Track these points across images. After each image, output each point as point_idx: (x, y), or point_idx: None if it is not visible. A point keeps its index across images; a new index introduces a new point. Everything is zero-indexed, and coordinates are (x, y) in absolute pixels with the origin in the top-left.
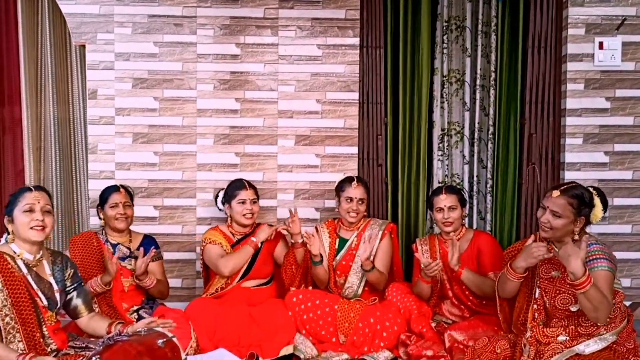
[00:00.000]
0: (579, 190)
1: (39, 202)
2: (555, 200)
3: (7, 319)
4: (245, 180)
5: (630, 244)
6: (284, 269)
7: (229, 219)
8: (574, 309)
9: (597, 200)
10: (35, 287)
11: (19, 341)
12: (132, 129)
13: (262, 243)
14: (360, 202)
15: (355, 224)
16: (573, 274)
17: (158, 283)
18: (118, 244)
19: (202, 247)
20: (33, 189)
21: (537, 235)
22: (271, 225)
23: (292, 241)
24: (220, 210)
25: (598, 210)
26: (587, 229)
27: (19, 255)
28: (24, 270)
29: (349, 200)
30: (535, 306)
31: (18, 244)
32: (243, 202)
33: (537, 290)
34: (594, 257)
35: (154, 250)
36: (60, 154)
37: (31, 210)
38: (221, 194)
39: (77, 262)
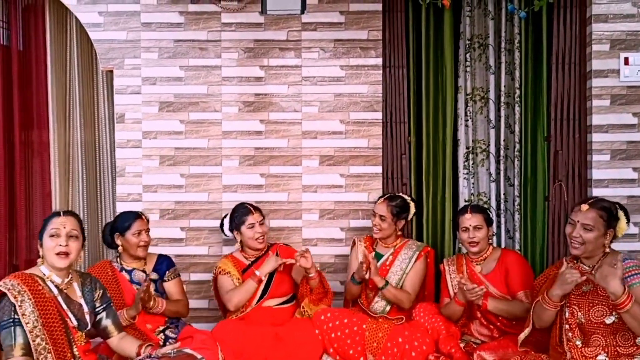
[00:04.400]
0: (607, 203)
1: (64, 227)
2: (586, 213)
3: (38, 339)
4: (249, 204)
5: None
6: (300, 295)
7: (238, 244)
8: (608, 321)
9: (620, 213)
10: (65, 307)
11: None
12: (158, 152)
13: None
14: (381, 219)
15: (391, 242)
16: (614, 294)
17: (170, 304)
18: (134, 269)
19: (214, 277)
20: (62, 213)
21: (567, 259)
22: (286, 250)
23: (305, 274)
24: (226, 237)
25: (623, 223)
26: (615, 246)
27: (48, 277)
28: (55, 291)
29: (374, 215)
30: (567, 326)
31: (47, 267)
32: (252, 226)
33: (567, 310)
34: (630, 273)
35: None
36: (86, 178)
37: (56, 235)
38: (226, 222)
39: None
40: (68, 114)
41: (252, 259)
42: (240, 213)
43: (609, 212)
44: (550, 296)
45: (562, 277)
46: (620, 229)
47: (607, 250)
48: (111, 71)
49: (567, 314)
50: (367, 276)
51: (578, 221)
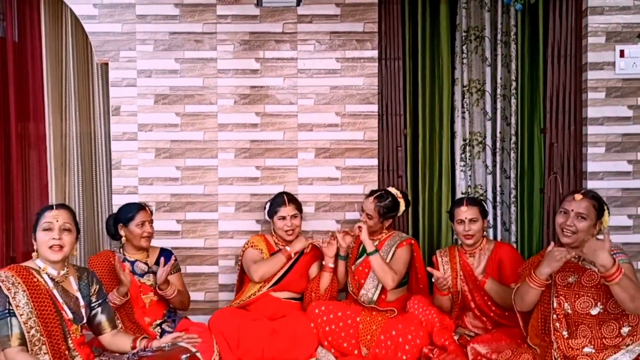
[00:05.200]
0: (596, 194)
1: (57, 220)
2: (580, 203)
3: (33, 331)
4: (287, 195)
5: None
6: (307, 292)
7: (272, 231)
8: (594, 312)
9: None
10: (60, 300)
11: (45, 353)
12: (154, 145)
13: (297, 254)
14: (368, 217)
15: (376, 236)
16: (603, 266)
17: (179, 293)
18: (136, 260)
19: (243, 250)
20: (54, 207)
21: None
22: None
23: (324, 262)
24: (268, 221)
25: (607, 216)
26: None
27: (43, 270)
28: (50, 284)
29: (361, 212)
30: (554, 316)
31: (42, 260)
32: (283, 219)
33: (555, 300)
34: (614, 251)
35: (174, 259)
36: (82, 170)
37: (49, 229)
38: (267, 206)
39: None
40: (64, 106)
41: (282, 246)
42: (275, 202)
43: (600, 203)
44: (538, 274)
45: (551, 254)
46: (604, 221)
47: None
48: (106, 63)
49: (554, 304)
50: (361, 236)
51: (572, 210)
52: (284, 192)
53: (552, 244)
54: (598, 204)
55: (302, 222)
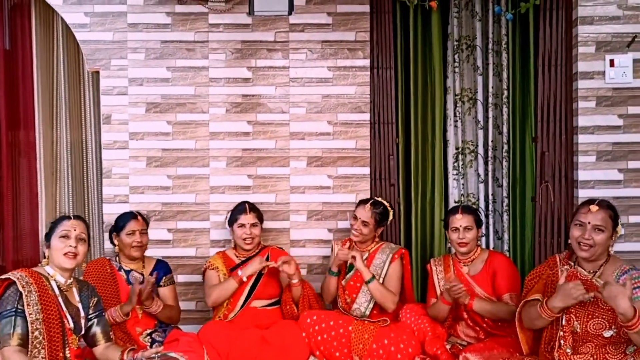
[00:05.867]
0: (610, 202)
1: (75, 230)
2: (597, 214)
3: (37, 332)
4: (248, 204)
5: None
6: (283, 304)
7: (233, 242)
8: (607, 334)
9: None
10: (64, 308)
11: (42, 357)
12: (145, 153)
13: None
14: (363, 224)
15: (366, 246)
16: (624, 315)
17: (165, 308)
18: (131, 270)
19: (203, 271)
20: (72, 217)
21: (561, 259)
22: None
23: (288, 280)
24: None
25: (619, 225)
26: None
27: (52, 277)
28: (57, 291)
29: (354, 218)
30: (561, 333)
31: (52, 267)
32: (243, 226)
33: (564, 318)
34: (636, 285)
35: (155, 276)
36: (73, 178)
37: (66, 237)
38: (229, 215)
39: None
40: (54, 114)
41: (243, 259)
42: (236, 210)
43: (615, 212)
44: (551, 307)
45: (566, 290)
46: (618, 230)
47: (611, 252)
48: (97, 72)
49: (563, 321)
50: (356, 264)
51: (589, 222)
52: (245, 201)
53: (564, 273)
54: (614, 213)
55: (261, 233)
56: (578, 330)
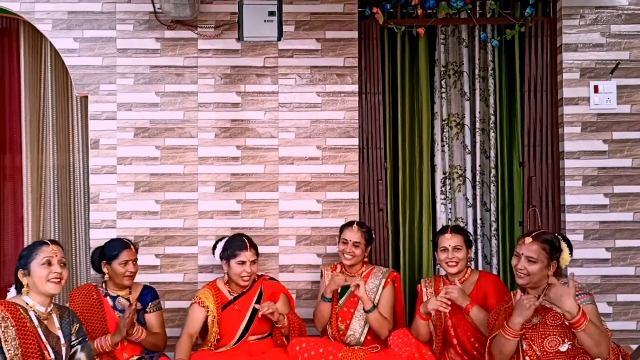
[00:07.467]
0: (549, 236)
1: (56, 256)
2: (529, 246)
3: None
4: (247, 239)
5: (634, 286)
6: (274, 337)
7: (225, 275)
8: (563, 349)
9: (563, 245)
10: (44, 340)
11: None
12: (133, 178)
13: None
14: (355, 245)
15: (357, 270)
16: (569, 312)
17: (150, 335)
18: (118, 296)
19: (192, 303)
20: (49, 242)
21: (513, 293)
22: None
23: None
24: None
25: (566, 254)
26: (588, 272)
27: (31, 307)
28: (35, 322)
29: (344, 242)
30: (527, 358)
31: (32, 296)
32: (242, 264)
33: (524, 343)
34: (577, 292)
35: (135, 306)
36: (59, 203)
37: (49, 263)
38: (220, 245)
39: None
40: (41, 138)
41: (236, 294)
42: (235, 245)
43: (552, 245)
44: (512, 325)
45: (520, 304)
46: (563, 259)
47: (551, 281)
48: (86, 97)
49: (524, 346)
50: (359, 293)
51: (522, 254)
52: (243, 235)
53: (519, 292)
54: (550, 246)
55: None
56: (538, 353)
